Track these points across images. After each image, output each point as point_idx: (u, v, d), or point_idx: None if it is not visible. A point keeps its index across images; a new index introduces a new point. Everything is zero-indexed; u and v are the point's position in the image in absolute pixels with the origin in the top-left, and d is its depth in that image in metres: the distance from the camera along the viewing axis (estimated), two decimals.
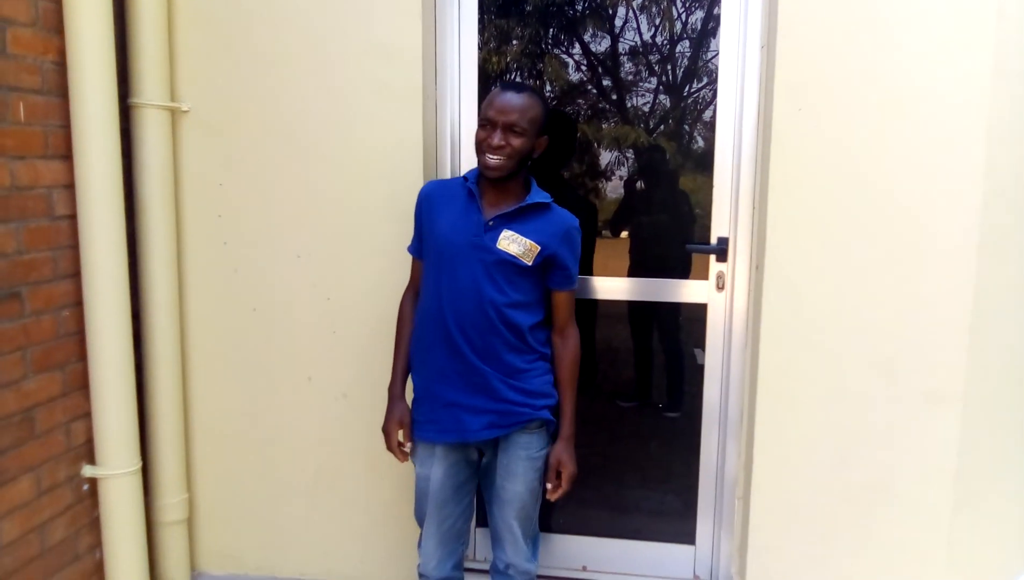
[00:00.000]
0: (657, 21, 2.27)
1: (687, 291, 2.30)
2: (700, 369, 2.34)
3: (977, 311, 1.98)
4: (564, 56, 2.34)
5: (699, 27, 2.25)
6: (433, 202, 1.88)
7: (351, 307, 2.25)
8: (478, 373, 1.81)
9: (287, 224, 2.24)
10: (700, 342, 2.33)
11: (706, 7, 2.22)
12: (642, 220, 2.38)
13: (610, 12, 2.29)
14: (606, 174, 2.37)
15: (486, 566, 2.44)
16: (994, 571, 2.18)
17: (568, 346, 1.91)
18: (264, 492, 2.39)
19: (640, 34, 2.29)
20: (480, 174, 1.82)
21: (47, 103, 1.93)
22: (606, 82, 2.34)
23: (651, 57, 2.29)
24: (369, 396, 2.28)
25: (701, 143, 2.28)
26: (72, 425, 2.05)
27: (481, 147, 1.78)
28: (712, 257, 2.26)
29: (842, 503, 2.10)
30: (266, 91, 2.19)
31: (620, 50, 2.30)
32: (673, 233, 2.33)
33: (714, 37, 2.22)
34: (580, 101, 2.35)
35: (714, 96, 2.22)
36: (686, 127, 2.30)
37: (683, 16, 2.26)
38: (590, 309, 2.37)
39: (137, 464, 2.12)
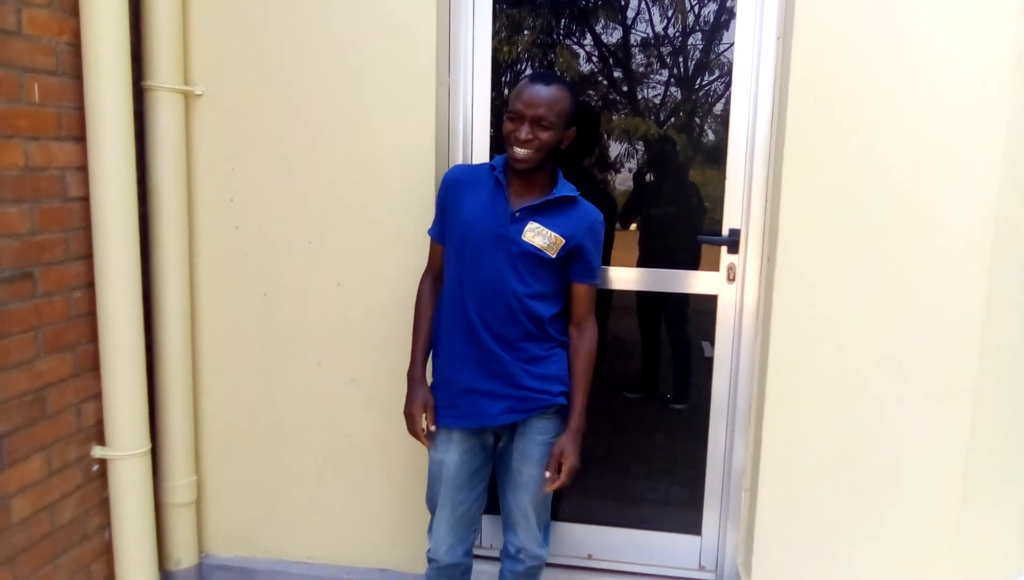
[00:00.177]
0: (670, 13, 2.26)
1: (697, 282, 2.30)
2: (707, 361, 2.34)
3: (989, 307, 1.97)
4: (575, 47, 2.33)
5: (712, 19, 2.24)
6: (459, 187, 1.87)
7: (362, 293, 2.26)
8: (497, 360, 1.82)
9: (299, 209, 2.24)
10: (709, 334, 2.33)
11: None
12: (651, 212, 2.38)
13: (622, 3, 2.28)
14: (615, 166, 2.37)
15: (492, 553, 2.45)
16: (1000, 567, 2.19)
17: (585, 339, 1.91)
18: (272, 475, 2.40)
19: (652, 26, 2.28)
20: (507, 163, 1.82)
21: (61, 84, 1.93)
22: (617, 73, 2.33)
23: (663, 49, 2.28)
24: (378, 382, 2.29)
25: (712, 136, 2.28)
26: (82, 406, 2.06)
27: (509, 139, 1.77)
28: (723, 249, 2.26)
29: (849, 497, 2.10)
30: (280, 75, 2.19)
31: (632, 41, 2.30)
32: (683, 225, 2.33)
33: (727, 30, 2.21)
34: (591, 92, 2.35)
35: (726, 88, 2.22)
36: (697, 120, 2.30)
37: (696, 8, 2.25)
38: (602, 300, 2.37)
39: (146, 446, 2.13)
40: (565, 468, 1.83)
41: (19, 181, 1.83)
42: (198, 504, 2.41)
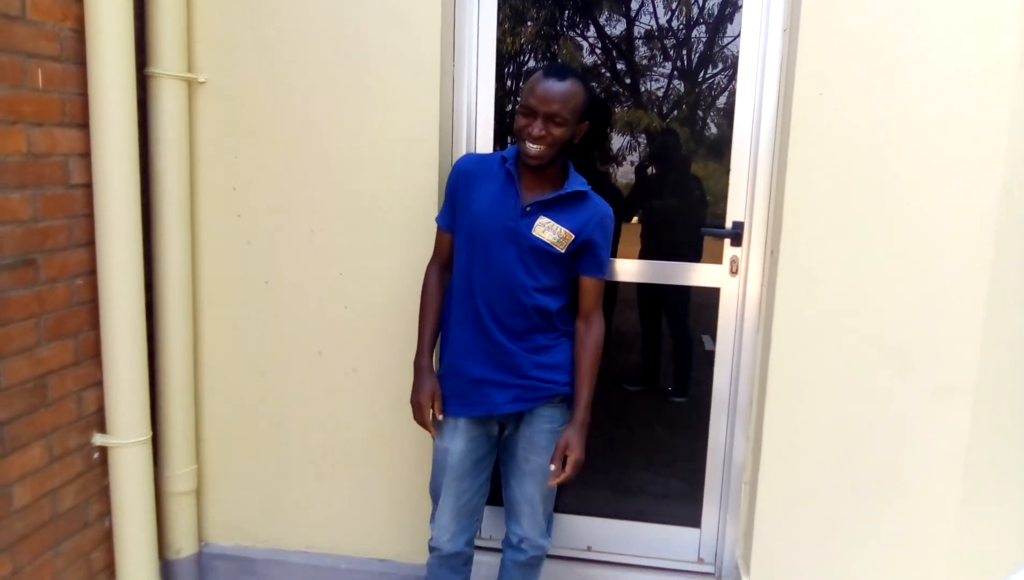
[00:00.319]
0: (674, 5, 2.25)
1: (700, 275, 2.30)
2: (708, 355, 2.34)
3: (992, 303, 1.97)
4: (579, 38, 2.33)
5: (716, 12, 2.23)
6: (471, 178, 1.86)
7: (363, 282, 2.25)
8: (505, 352, 1.83)
9: (301, 198, 2.24)
10: (710, 327, 2.33)
11: None
12: (654, 205, 2.37)
13: None
14: (617, 159, 2.36)
15: (492, 544, 2.45)
16: (1000, 562, 2.20)
17: (592, 334, 1.90)
18: (272, 465, 2.40)
19: (656, 18, 2.27)
20: (518, 156, 1.80)
21: (65, 70, 1.92)
22: (620, 66, 2.32)
23: (667, 41, 2.28)
24: (379, 372, 2.29)
25: (714, 129, 2.28)
26: (84, 393, 2.06)
27: (521, 134, 1.75)
28: (727, 241, 2.26)
29: (850, 492, 2.11)
30: (283, 64, 2.18)
31: (636, 34, 2.29)
32: (685, 218, 2.33)
33: (731, 22, 2.20)
34: (594, 84, 2.34)
35: (730, 81, 2.21)
36: (700, 112, 2.29)
37: (700, 0, 2.25)
38: (608, 294, 2.36)
39: (147, 434, 2.12)
40: (570, 462, 1.82)
41: (22, 167, 1.82)
42: (198, 493, 2.41)
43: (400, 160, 2.18)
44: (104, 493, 2.15)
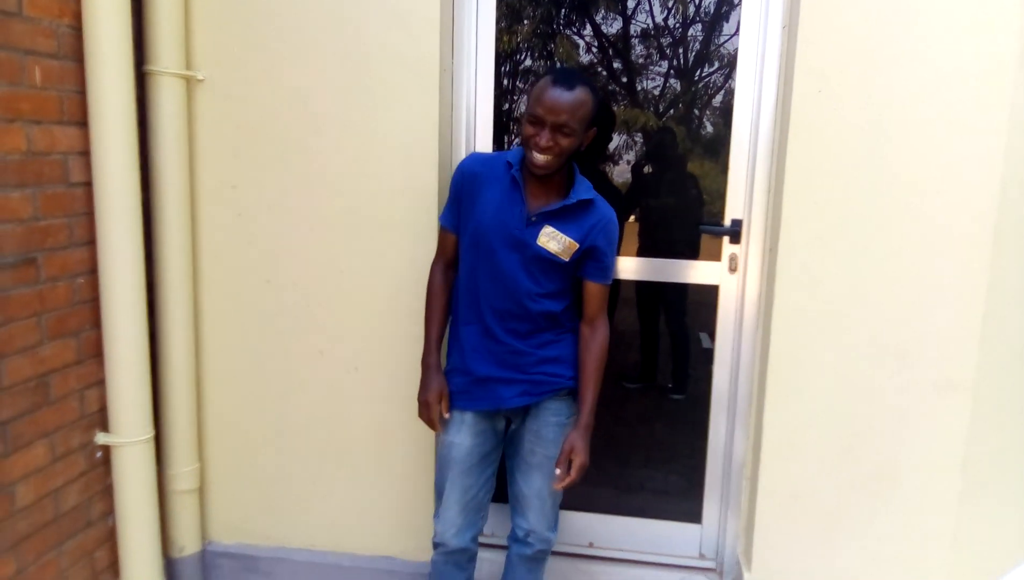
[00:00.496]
0: (671, 3, 2.26)
1: (699, 272, 2.31)
2: (706, 352, 2.35)
3: (990, 300, 1.99)
4: (575, 37, 2.33)
5: (713, 10, 2.24)
6: (476, 181, 1.84)
7: (364, 281, 2.25)
8: (510, 350, 1.84)
9: (301, 196, 2.23)
10: (709, 325, 2.34)
11: None
12: (651, 204, 2.38)
13: None
14: (614, 158, 2.37)
15: (495, 540, 2.46)
16: (999, 558, 2.22)
17: (596, 338, 1.90)
18: (275, 463, 2.40)
19: (653, 16, 2.28)
20: (523, 162, 1.79)
21: (63, 68, 1.91)
22: (616, 64, 2.33)
23: (663, 40, 2.28)
24: (380, 369, 2.29)
25: (711, 128, 2.28)
26: (86, 392, 2.05)
27: (528, 143, 1.72)
28: (725, 239, 2.27)
29: (849, 488, 2.12)
30: (282, 61, 2.18)
31: (632, 32, 2.30)
32: (682, 217, 2.34)
33: (728, 20, 2.21)
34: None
35: (726, 80, 2.22)
36: (696, 111, 2.30)
37: None
38: (610, 294, 2.37)
39: (150, 432, 2.12)
40: (575, 466, 1.82)
41: (22, 166, 1.81)
42: (201, 491, 2.40)
43: (400, 159, 2.18)
44: (107, 492, 2.14)
